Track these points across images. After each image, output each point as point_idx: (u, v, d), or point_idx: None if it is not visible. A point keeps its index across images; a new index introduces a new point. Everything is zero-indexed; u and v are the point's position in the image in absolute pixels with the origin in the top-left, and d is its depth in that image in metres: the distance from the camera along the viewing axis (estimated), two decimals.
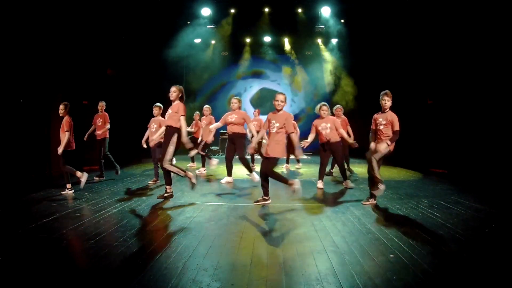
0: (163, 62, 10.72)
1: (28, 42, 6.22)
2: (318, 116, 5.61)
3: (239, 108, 5.98)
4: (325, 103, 5.59)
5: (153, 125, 5.99)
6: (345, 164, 6.57)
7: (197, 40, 11.43)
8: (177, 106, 4.64)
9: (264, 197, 4.48)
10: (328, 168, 6.51)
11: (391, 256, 2.63)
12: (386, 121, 4.35)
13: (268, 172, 4.27)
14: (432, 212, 3.97)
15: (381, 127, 4.37)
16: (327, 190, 5.52)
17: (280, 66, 13.20)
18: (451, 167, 7.33)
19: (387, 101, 4.36)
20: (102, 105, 6.65)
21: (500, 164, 6.10)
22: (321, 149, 5.61)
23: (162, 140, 5.34)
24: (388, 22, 9.44)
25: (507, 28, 5.98)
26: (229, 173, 6.14)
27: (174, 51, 10.77)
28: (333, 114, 6.28)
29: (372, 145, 4.46)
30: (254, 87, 13.47)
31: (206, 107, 7.54)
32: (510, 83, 6.04)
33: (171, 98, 4.73)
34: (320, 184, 5.64)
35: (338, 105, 6.90)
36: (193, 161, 8.47)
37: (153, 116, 6.05)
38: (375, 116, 4.51)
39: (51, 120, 6.93)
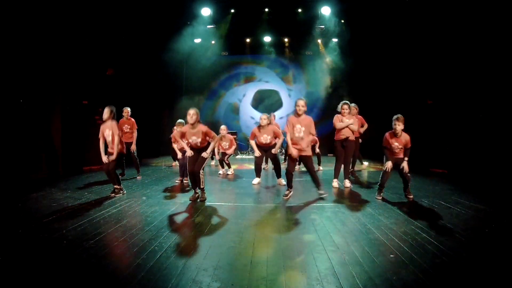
0: (163, 62, 10.72)
1: (28, 42, 6.21)
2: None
3: (269, 123, 5.98)
4: (347, 102, 5.70)
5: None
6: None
7: (197, 40, 11.43)
8: (203, 133, 4.57)
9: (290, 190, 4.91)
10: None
11: (391, 256, 2.63)
12: (402, 145, 4.64)
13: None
14: (432, 212, 3.97)
15: (397, 150, 4.67)
16: (328, 190, 5.52)
17: (271, 65, 13.17)
18: (451, 167, 7.33)
19: (398, 126, 4.57)
20: (127, 111, 6.71)
21: (500, 164, 6.10)
22: (339, 146, 5.66)
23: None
24: (388, 22, 9.43)
25: (507, 28, 5.98)
26: (258, 175, 6.16)
27: (174, 51, 10.78)
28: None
29: (390, 164, 4.66)
30: (248, 93, 13.34)
31: (224, 127, 7.33)
32: (510, 83, 6.04)
33: (191, 122, 4.56)
34: (335, 183, 5.70)
35: (353, 104, 6.78)
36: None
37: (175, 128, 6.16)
38: (390, 138, 4.68)
39: (51, 120, 6.93)
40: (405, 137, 4.63)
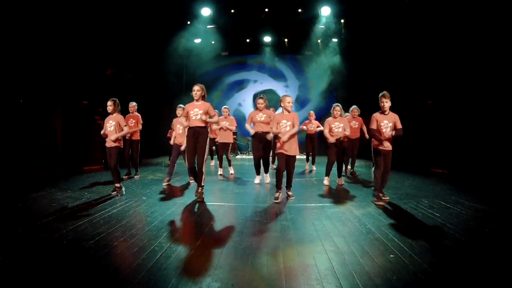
0: (163, 62, 10.72)
1: (28, 42, 6.21)
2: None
3: (266, 107, 5.89)
4: (339, 104, 5.88)
5: (178, 126, 5.95)
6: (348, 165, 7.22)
7: (197, 40, 11.43)
8: (206, 106, 4.56)
9: (280, 191, 4.73)
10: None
11: (391, 256, 2.63)
12: (391, 122, 4.47)
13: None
14: (432, 212, 3.97)
15: (388, 129, 4.46)
16: (320, 187, 5.55)
17: (270, 65, 13.18)
18: (451, 167, 7.32)
19: (385, 103, 4.46)
20: (133, 105, 6.64)
21: (500, 164, 6.10)
22: (331, 147, 5.76)
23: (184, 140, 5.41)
24: (388, 22, 9.43)
25: (507, 28, 5.98)
26: (258, 172, 6.12)
27: (174, 51, 10.78)
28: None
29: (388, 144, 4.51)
30: (247, 98, 13.33)
31: (225, 108, 7.15)
32: (510, 83, 6.04)
33: (195, 98, 4.59)
34: (326, 181, 5.95)
35: (354, 106, 7.10)
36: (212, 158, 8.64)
37: (176, 117, 6.07)
38: (378, 117, 4.54)
39: (51, 120, 6.93)
40: (394, 115, 4.50)
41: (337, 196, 5.07)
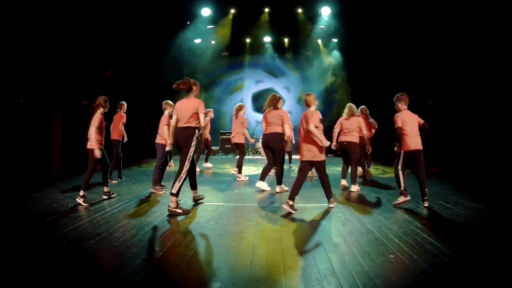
0: (163, 62, 10.72)
1: (29, 42, 6.21)
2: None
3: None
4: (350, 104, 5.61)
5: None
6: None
7: (197, 40, 11.43)
8: (198, 103, 4.06)
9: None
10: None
11: (391, 256, 2.63)
12: None
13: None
14: (432, 212, 3.97)
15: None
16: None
17: (270, 65, 13.18)
18: (451, 167, 7.33)
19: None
20: (124, 105, 6.27)
21: (500, 164, 6.10)
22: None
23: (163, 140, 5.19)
24: (388, 22, 9.43)
25: (507, 28, 5.98)
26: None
27: (174, 51, 10.78)
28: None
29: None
30: (247, 98, 13.32)
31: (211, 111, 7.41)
32: (510, 83, 6.04)
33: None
34: (344, 182, 5.56)
35: (363, 106, 6.85)
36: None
37: (162, 114, 5.51)
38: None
39: (51, 120, 6.93)
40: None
41: (337, 196, 5.06)
